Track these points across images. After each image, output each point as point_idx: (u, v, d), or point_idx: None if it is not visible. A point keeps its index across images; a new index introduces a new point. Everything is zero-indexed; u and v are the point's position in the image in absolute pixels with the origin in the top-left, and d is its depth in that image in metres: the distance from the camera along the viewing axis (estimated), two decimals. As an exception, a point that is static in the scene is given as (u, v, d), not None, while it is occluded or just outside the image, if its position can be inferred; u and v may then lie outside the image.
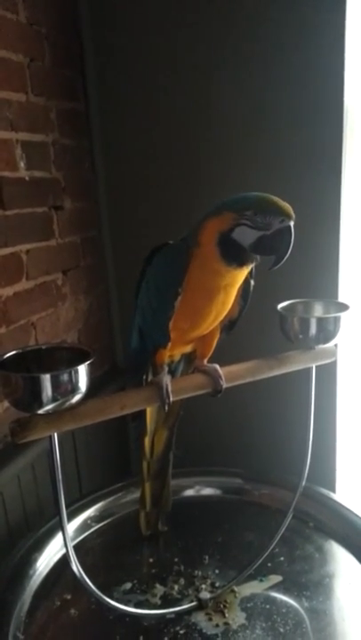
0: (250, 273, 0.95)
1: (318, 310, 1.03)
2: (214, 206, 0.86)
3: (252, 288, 0.97)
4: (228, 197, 0.86)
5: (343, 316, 0.96)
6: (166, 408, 0.91)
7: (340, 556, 1.24)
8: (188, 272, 0.88)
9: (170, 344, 0.96)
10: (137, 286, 1.00)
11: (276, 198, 0.83)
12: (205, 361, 1.00)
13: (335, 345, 1.00)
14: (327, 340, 0.97)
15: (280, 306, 1.00)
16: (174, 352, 1.02)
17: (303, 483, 1.07)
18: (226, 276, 0.88)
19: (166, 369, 0.95)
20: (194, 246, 0.87)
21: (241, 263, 0.86)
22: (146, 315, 0.99)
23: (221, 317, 0.97)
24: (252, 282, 0.95)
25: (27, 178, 1.37)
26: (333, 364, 1.44)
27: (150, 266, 0.96)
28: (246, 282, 0.95)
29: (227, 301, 0.93)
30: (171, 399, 0.90)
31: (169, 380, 0.91)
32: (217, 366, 0.95)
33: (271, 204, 0.82)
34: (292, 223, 0.82)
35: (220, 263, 0.85)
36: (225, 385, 0.94)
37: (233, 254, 0.84)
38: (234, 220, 0.83)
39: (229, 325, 1.02)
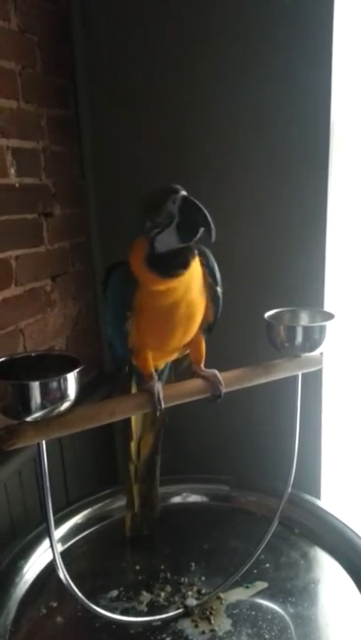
0: (212, 278, 0.94)
1: (304, 319, 1.04)
2: (128, 234, 0.86)
3: (220, 294, 0.96)
4: (128, 224, 0.86)
5: (329, 324, 0.98)
6: (158, 414, 0.91)
7: (325, 562, 1.25)
8: (138, 295, 0.88)
9: (148, 356, 0.97)
10: (104, 300, 1.01)
11: (150, 192, 0.82)
12: (202, 365, 1.01)
13: (321, 353, 1.02)
14: (313, 348, 0.99)
15: (267, 314, 1.01)
16: (158, 362, 1.03)
17: (289, 490, 1.08)
18: (172, 293, 0.87)
19: (156, 377, 0.96)
20: (135, 277, 0.87)
21: (180, 266, 0.84)
22: (109, 330, 1.01)
23: (193, 328, 0.97)
24: (219, 288, 0.95)
25: (17, 184, 1.38)
26: (319, 372, 1.45)
27: (106, 287, 0.97)
28: (210, 287, 0.95)
29: (190, 313, 0.93)
30: (163, 405, 0.90)
31: (160, 386, 0.92)
32: (216, 372, 0.96)
33: (152, 200, 0.82)
34: (183, 193, 0.81)
35: (163, 283, 0.85)
36: (225, 390, 0.95)
37: (167, 265, 0.84)
38: (146, 239, 0.83)
39: (208, 328, 1.02)
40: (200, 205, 0.80)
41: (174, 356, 1.05)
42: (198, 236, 0.82)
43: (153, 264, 0.83)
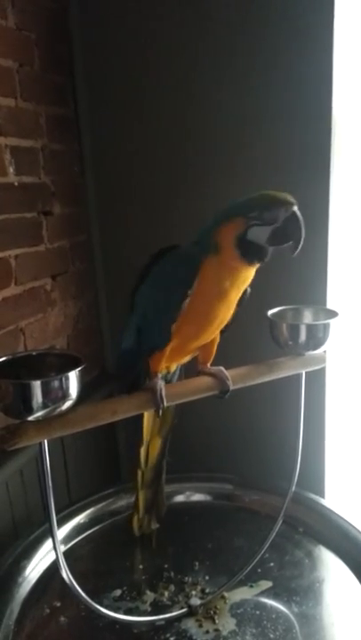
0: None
1: (308, 317, 1.03)
2: (222, 213, 0.90)
3: (248, 294, 0.98)
4: (232, 202, 0.90)
5: (332, 322, 0.97)
6: (160, 413, 0.91)
7: (329, 561, 1.24)
8: (200, 276, 0.90)
9: (169, 351, 0.96)
10: (136, 284, 1.00)
11: (273, 192, 0.87)
12: (209, 364, 1.01)
13: (324, 351, 1.01)
14: (317, 346, 0.98)
15: (270, 312, 1.00)
16: (172, 363, 1.02)
17: (293, 488, 1.07)
18: (241, 277, 0.91)
19: (160, 375, 0.95)
20: (211, 251, 0.90)
21: (260, 259, 0.90)
22: (148, 314, 0.98)
23: (224, 324, 0.98)
24: (249, 289, 0.97)
25: (16, 183, 1.37)
26: (323, 371, 1.44)
27: (158, 265, 0.96)
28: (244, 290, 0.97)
29: (232, 306, 0.96)
30: (165, 404, 0.90)
31: (163, 384, 0.91)
32: (222, 368, 0.97)
33: (271, 198, 0.87)
34: (295, 208, 0.86)
35: (241, 263, 0.89)
36: (232, 386, 0.95)
37: (252, 253, 0.88)
38: (244, 222, 0.87)
39: (223, 330, 1.02)
40: (302, 224, 0.86)
41: (188, 358, 1.05)
42: (284, 245, 0.89)
43: (240, 245, 0.88)
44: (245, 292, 0.96)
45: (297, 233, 0.87)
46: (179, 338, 0.95)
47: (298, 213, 0.86)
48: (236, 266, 0.90)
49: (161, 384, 0.91)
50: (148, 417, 1.15)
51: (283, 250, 0.89)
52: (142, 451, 1.19)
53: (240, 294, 0.95)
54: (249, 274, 0.92)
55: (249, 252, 0.88)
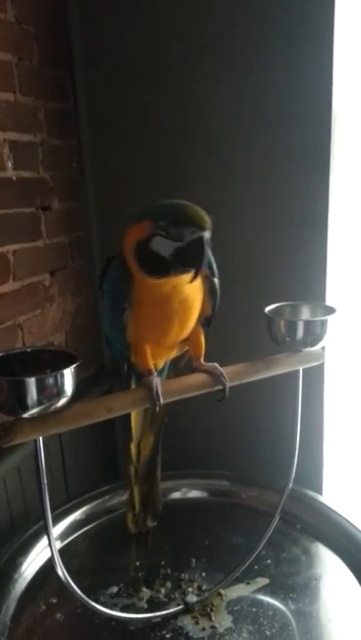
0: (211, 272, 0.93)
1: (306, 313, 1.03)
2: (140, 212, 0.84)
3: (217, 286, 0.94)
4: (151, 202, 0.83)
5: (330, 319, 0.97)
6: (157, 409, 0.90)
7: (326, 558, 1.24)
8: (134, 286, 0.86)
9: (147, 352, 0.95)
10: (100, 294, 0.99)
11: (190, 207, 0.80)
12: (202, 360, 0.99)
13: (322, 348, 1.01)
14: (314, 342, 0.98)
15: (268, 309, 1.00)
16: (156, 360, 1.01)
17: (290, 485, 1.07)
18: (161, 285, 0.85)
19: (155, 373, 0.94)
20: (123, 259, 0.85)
21: (162, 274, 0.83)
22: (105, 325, 0.99)
23: (191, 322, 0.95)
24: (216, 280, 0.93)
25: (14, 178, 1.36)
26: (320, 367, 1.44)
27: (104, 278, 0.94)
28: (209, 280, 0.94)
29: (186, 307, 0.91)
30: (162, 400, 0.89)
31: (159, 381, 0.91)
32: (217, 365, 0.95)
33: (183, 214, 0.79)
34: (205, 234, 0.79)
35: (140, 273, 0.83)
36: (228, 383, 0.93)
37: (154, 265, 0.82)
38: (151, 229, 0.81)
39: (206, 322, 1.00)
40: (205, 253, 0.79)
41: (174, 353, 1.04)
42: (179, 269, 0.81)
43: (138, 252, 0.82)
44: (213, 283, 0.93)
45: (196, 260, 0.79)
46: (143, 342, 0.94)
47: (204, 239, 0.79)
48: (143, 279, 0.83)
49: (157, 381, 0.90)
50: (135, 414, 1.15)
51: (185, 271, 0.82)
52: (132, 447, 1.19)
53: (193, 299, 0.91)
54: (174, 283, 0.85)
55: (150, 262, 0.81)
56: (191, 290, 0.89)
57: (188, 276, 0.83)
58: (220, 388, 0.94)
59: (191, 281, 0.82)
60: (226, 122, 1.46)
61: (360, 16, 1.31)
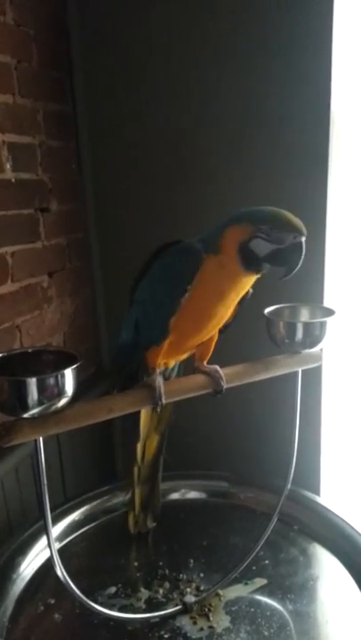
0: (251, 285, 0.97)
1: (305, 315, 1.04)
2: (234, 215, 0.90)
3: (249, 294, 0.98)
4: (246, 208, 0.91)
5: (329, 320, 0.97)
6: (159, 410, 0.91)
7: (324, 558, 1.25)
8: (200, 273, 0.90)
9: (165, 347, 0.96)
10: (136, 280, 1.00)
11: (290, 215, 0.88)
12: (205, 362, 1.01)
13: (321, 349, 1.01)
14: (313, 344, 0.98)
15: (267, 310, 1.01)
16: (170, 359, 1.02)
17: (288, 486, 1.07)
18: (241, 281, 0.92)
19: (158, 371, 0.95)
20: (213, 250, 0.90)
21: (258, 270, 0.90)
22: (147, 308, 0.99)
23: (223, 322, 0.98)
24: (251, 290, 0.97)
25: (13, 179, 1.36)
26: (319, 369, 1.44)
27: (160, 259, 0.96)
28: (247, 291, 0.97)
29: (231, 306, 0.96)
30: (164, 400, 0.90)
31: (162, 381, 0.91)
32: (217, 367, 0.97)
33: (287, 221, 0.87)
34: (303, 239, 0.87)
35: (239, 268, 0.89)
36: (226, 385, 0.95)
37: (249, 261, 0.89)
38: (252, 231, 0.87)
39: (223, 329, 1.02)
40: (302, 256, 0.88)
41: (186, 355, 1.05)
42: (278, 267, 0.90)
43: (241, 251, 0.88)
44: (247, 292, 0.96)
45: (295, 262, 0.88)
46: (176, 334, 0.95)
47: (303, 244, 0.87)
48: (233, 269, 0.90)
49: (160, 380, 0.91)
50: (145, 413, 1.16)
51: (274, 270, 0.90)
52: (139, 447, 1.20)
53: (240, 296, 0.95)
54: (247, 280, 0.92)
55: (247, 260, 0.88)
56: (240, 292, 0.94)
57: (252, 277, 0.92)
58: (217, 389, 0.95)
59: (281, 279, 0.90)
60: (225, 123, 1.47)
61: (359, 17, 1.31)
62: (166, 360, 1.01)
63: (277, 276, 0.90)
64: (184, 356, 1.06)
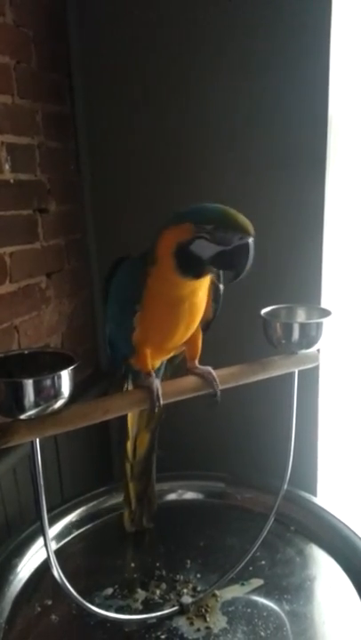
0: (217, 277, 0.95)
1: (301, 316, 1.04)
2: (173, 215, 0.85)
3: (221, 291, 0.96)
4: (188, 207, 0.85)
5: (326, 321, 0.97)
6: (156, 410, 0.91)
7: (320, 559, 1.25)
8: (147, 287, 0.88)
9: (147, 354, 0.96)
10: (104, 296, 1.00)
11: (236, 214, 0.82)
12: (197, 362, 1.00)
13: (318, 350, 1.01)
14: (310, 345, 0.98)
15: (263, 311, 1.01)
16: (155, 361, 1.02)
17: (285, 486, 1.07)
18: (184, 287, 0.87)
19: (154, 374, 0.95)
20: (152, 260, 0.86)
21: (197, 275, 0.85)
22: (111, 326, 1.00)
23: (194, 325, 0.96)
24: (221, 285, 0.95)
25: (11, 180, 1.36)
26: (316, 369, 1.45)
27: (113, 279, 0.95)
28: (214, 285, 0.95)
29: (194, 310, 0.93)
30: (161, 402, 0.90)
31: (159, 383, 0.91)
32: (210, 369, 0.96)
33: (232, 220, 0.81)
34: (250, 240, 0.82)
35: (175, 274, 0.85)
36: (220, 387, 0.94)
37: (190, 266, 0.84)
38: (193, 232, 0.82)
39: (206, 326, 1.01)
40: (250, 258, 0.82)
41: (171, 354, 1.05)
42: (224, 270, 0.85)
43: (178, 254, 0.83)
44: (218, 288, 0.94)
45: (242, 264, 0.82)
46: (147, 344, 0.94)
47: (251, 246, 0.82)
48: (172, 278, 0.85)
49: (157, 383, 0.91)
50: (131, 412, 1.16)
51: (223, 274, 0.86)
52: (129, 445, 1.20)
53: (200, 300, 0.92)
54: (193, 286, 0.88)
55: (186, 263, 0.83)
56: (200, 294, 0.91)
57: (207, 279, 0.88)
58: (211, 391, 0.94)
59: (230, 282, 0.85)
60: (223, 124, 1.47)
61: (357, 17, 1.32)
62: (152, 361, 0.99)
63: (226, 279, 0.85)
64: (169, 356, 1.05)
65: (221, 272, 0.95)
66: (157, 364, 1.05)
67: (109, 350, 1.04)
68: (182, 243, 0.82)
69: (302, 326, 0.98)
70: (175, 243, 0.83)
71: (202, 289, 0.91)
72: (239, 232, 0.81)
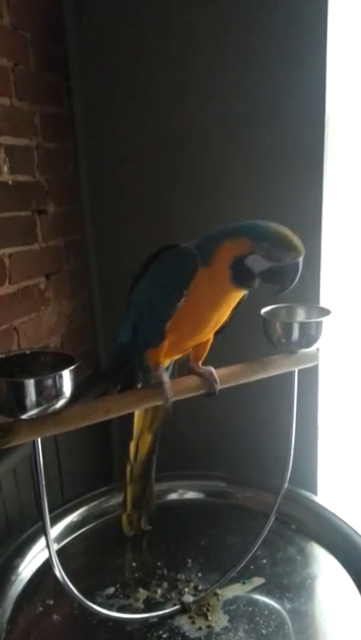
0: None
1: (301, 315, 1.04)
2: (231, 228, 0.89)
3: (245, 298, 0.98)
4: (246, 222, 0.89)
5: (325, 320, 0.98)
6: (167, 405, 0.91)
7: (321, 557, 1.25)
8: (195, 279, 0.90)
9: (165, 347, 0.96)
10: (134, 281, 1.00)
11: (291, 233, 0.87)
12: (200, 363, 1.01)
13: (317, 349, 1.02)
14: (309, 344, 0.99)
15: (263, 310, 1.01)
16: (166, 359, 1.02)
17: (285, 485, 1.08)
18: (228, 293, 0.92)
19: (163, 368, 0.96)
20: (204, 262, 0.90)
21: (245, 285, 0.90)
22: (144, 311, 0.99)
23: (220, 325, 0.99)
24: (246, 292, 0.97)
25: (10, 182, 1.37)
26: (315, 368, 1.45)
27: (157, 263, 0.96)
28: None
29: (227, 311, 0.96)
30: (172, 397, 0.91)
31: (168, 378, 0.92)
32: (212, 369, 0.97)
33: (288, 240, 0.86)
34: (301, 259, 0.87)
35: (228, 283, 0.89)
36: (220, 387, 0.95)
37: (242, 277, 0.88)
38: (250, 247, 0.86)
39: (220, 330, 1.02)
40: (298, 275, 0.87)
41: (182, 355, 1.05)
42: (272, 284, 0.89)
43: (234, 266, 0.88)
44: (243, 295, 0.96)
45: (290, 280, 0.88)
46: (173, 336, 0.95)
47: (300, 264, 0.87)
48: (221, 284, 0.89)
49: (167, 377, 0.92)
50: (138, 412, 1.16)
51: (268, 287, 0.90)
52: (132, 445, 1.20)
53: (233, 305, 0.95)
54: (237, 293, 0.92)
55: (240, 275, 0.88)
56: (228, 305, 0.94)
57: (243, 291, 0.92)
58: (210, 392, 0.95)
59: (273, 296, 0.91)
60: (221, 125, 1.48)
61: (353, 17, 1.32)
62: (163, 360, 1.01)
63: (271, 292, 0.90)
64: (180, 356, 1.06)
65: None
66: (167, 363, 1.05)
67: (130, 339, 1.03)
68: (239, 257, 0.87)
69: (302, 325, 0.98)
70: (233, 256, 0.87)
71: (238, 297, 0.94)
72: (293, 251, 0.86)
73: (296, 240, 0.86)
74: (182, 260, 0.92)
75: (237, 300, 0.95)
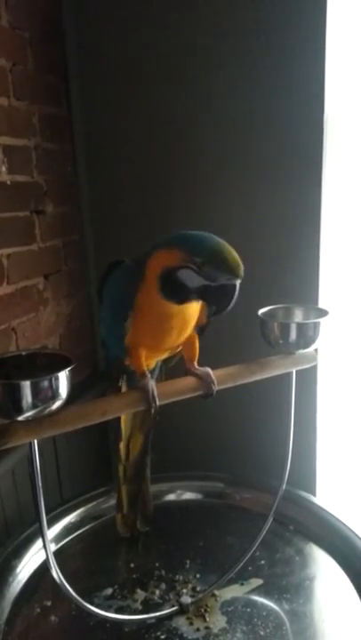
0: None
1: (298, 316, 1.04)
2: (168, 237, 0.85)
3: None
4: (182, 232, 0.85)
5: (323, 321, 0.98)
6: (153, 411, 0.91)
7: (320, 558, 1.25)
8: (139, 294, 0.88)
9: (140, 355, 0.96)
10: (98, 297, 1.00)
11: (229, 252, 0.81)
12: (195, 364, 1.00)
13: (315, 350, 1.02)
14: (307, 345, 0.99)
15: (261, 311, 1.01)
16: (149, 362, 1.02)
17: (284, 486, 1.08)
18: (170, 307, 0.88)
19: (149, 375, 0.95)
20: (141, 275, 0.87)
21: (181, 300, 0.86)
22: (104, 329, 1.01)
23: (187, 331, 0.96)
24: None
25: (8, 182, 1.37)
26: (313, 369, 1.45)
27: (106, 282, 0.95)
28: None
29: (187, 319, 0.93)
30: (158, 403, 0.90)
31: (154, 384, 0.91)
32: (209, 370, 0.96)
33: (222, 259, 0.80)
34: (237, 282, 0.82)
35: (157, 296, 0.86)
36: (217, 388, 0.94)
37: (174, 291, 0.84)
38: (182, 260, 0.82)
39: (200, 330, 1.01)
40: (232, 300, 0.82)
41: (166, 355, 1.05)
42: (206, 303, 0.86)
43: (163, 277, 0.84)
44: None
45: (222, 304, 0.83)
46: (140, 346, 0.95)
47: (236, 289, 0.82)
48: (156, 297, 0.86)
49: (152, 383, 0.91)
50: (125, 414, 1.16)
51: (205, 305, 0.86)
52: (122, 446, 1.20)
53: (194, 309, 0.92)
54: (189, 305, 0.88)
55: (172, 288, 0.84)
56: (187, 309, 0.91)
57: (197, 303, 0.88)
58: (208, 393, 0.95)
59: (209, 317, 0.87)
60: (220, 125, 1.47)
61: (352, 19, 1.32)
62: (147, 362, 0.99)
63: (209, 311, 0.86)
64: (164, 356, 1.05)
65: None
66: (152, 364, 1.05)
67: (104, 351, 1.05)
68: (169, 268, 0.83)
69: (300, 326, 0.98)
70: (162, 266, 0.84)
71: (184, 312, 0.90)
72: (227, 273, 0.81)
73: (232, 260, 0.80)
74: (120, 281, 0.91)
75: (194, 308, 0.91)
